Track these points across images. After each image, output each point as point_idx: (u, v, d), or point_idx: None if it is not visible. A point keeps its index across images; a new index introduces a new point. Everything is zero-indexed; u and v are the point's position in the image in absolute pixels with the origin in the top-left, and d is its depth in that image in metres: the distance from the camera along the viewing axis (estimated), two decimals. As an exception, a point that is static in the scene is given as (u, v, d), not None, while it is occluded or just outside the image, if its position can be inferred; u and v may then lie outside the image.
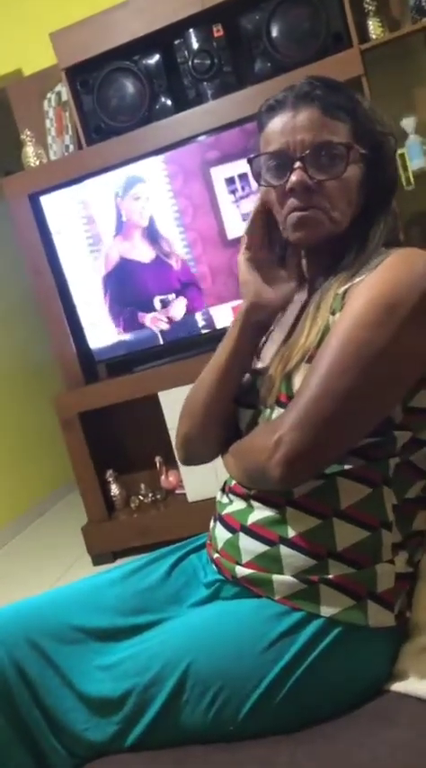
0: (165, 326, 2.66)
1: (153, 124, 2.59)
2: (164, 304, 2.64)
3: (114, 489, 2.84)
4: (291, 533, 0.92)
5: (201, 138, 2.55)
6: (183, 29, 2.57)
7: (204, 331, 2.64)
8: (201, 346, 2.58)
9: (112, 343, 2.72)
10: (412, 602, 0.94)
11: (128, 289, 2.68)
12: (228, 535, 0.99)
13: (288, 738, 0.87)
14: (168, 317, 2.65)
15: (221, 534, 1.01)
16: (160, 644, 0.94)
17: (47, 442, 4.00)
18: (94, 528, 2.79)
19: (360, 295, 0.88)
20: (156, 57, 2.62)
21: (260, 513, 0.96)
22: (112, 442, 2.93)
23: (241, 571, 0.96)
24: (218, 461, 1.09)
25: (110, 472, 2.83)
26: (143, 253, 2.64)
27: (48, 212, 2.68)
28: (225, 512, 1.02)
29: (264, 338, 1.08)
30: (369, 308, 0.85)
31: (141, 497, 2.82)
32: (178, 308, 2.64)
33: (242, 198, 2.53)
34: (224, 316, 2.61)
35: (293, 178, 0.94)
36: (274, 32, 2.50)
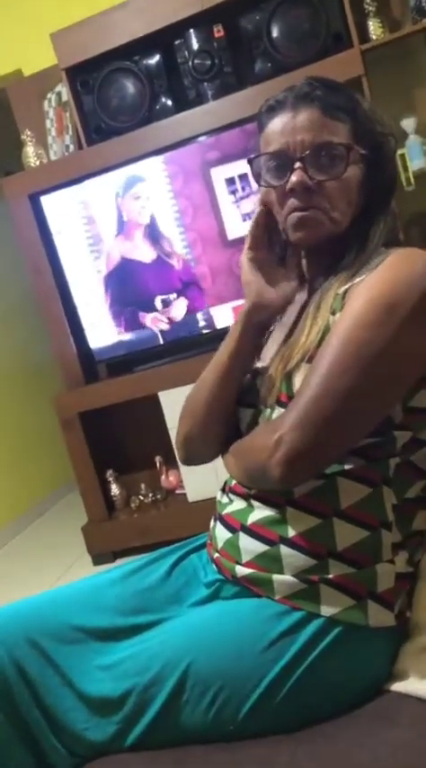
0: (166, 327, 2.66)
1: (153, 124, 2.59)
2: (165, 304, 2.64)
3: (114, 489, 2.84)
4: (291, 533, 0.92)
5: (202, 138, 2.55)
6: (184, 29, 2.57)
7: (204, 331, 2.64)
8: (202, 346, 2.58)
9: (112, 342, 2.72)
10: (413, 601, 0.94)
11: (129, 288, 2.68)
12: (228, 535, 0.99)
13: (288, 738, 0.87)
14: (168, 318, 2.65)
15: (221, 534, 1.01)
16: (160, 644, 0.94)
17: (47, 441, 4.00)
18: (95, 528, 2.79)
19: (360, 295, 0.88)
20: (157, 57, 2.62)
21: (260, 512, 0.96)
22: (113, 441, 2.93)
23: (241, 571, 0.96)
24: (219, 461, 1.09)
25: (110, 472, 2.84)
26: (144, 253, 2.64)
27: (49, 212, 2.68)
28: (225, 511, 1.02)
29: (265, 338, 1.08)
30: (369, 307, 0.86)
31: (141, 497, 2.82)
32: (179, 308, 2.64)
33: (242, 198, 2.53)
34: (224, 316, 2.61)
35: (293, 178, 0.94)
36: (274, 33, 2.50)
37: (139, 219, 2.62)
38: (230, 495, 1.03)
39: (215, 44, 2.57)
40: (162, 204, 2.59)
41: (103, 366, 2.90)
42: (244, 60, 2.62)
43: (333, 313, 0.91)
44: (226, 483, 1.07)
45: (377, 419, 0.89)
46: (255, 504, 0.97)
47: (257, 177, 1.00)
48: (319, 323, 0.92)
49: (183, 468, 2.64)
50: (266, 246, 1.04)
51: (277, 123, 0.97)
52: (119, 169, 2.60)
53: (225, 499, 1.05)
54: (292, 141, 0.95)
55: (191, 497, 2.65)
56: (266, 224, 1.03)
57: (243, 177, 2.50)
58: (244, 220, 2.53)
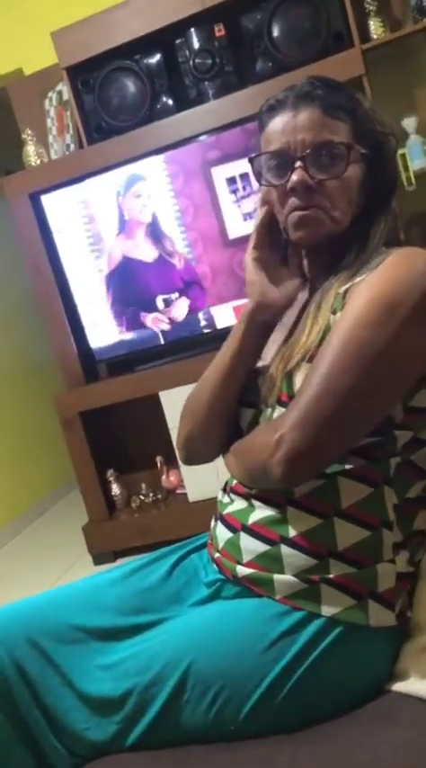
0: (166, 327, 2.65)
1: (154, 124, 2.59)
2: (167, 303, 2.64)
3: (115, 489, 2.84)
4: (292, 533, 0.92)
5: (202, 137, 2.55)
6: (184, 28, 2.57)
7: (205, 331, 2.64)
8: (202, 346, 2.58)
9: (113, 342, 2.72)
10: (413, 601, 0.94)
11: (130, 288, 2.68)
12: (229, 534, 0.99)
13: (289, 738, 0.87)
14: (169, 318, 2.65)
15: (222, 534, 1.01)
16: (161, 643, 0.94)
17: (47, 441, 4.00)
18: (95, 527, 2.79)
19: (361, 294, 0.88)
20: (157, 56, 2.62)
21: (261, 512, 0.96)
22: (113, 441, 2.93)
23: (242, 570, 0.96)
24: (219, 461, 1.09)
25: (110, 472, 2.83)
26: (146, 252, 2.64)
27: (49, 211, 2.68)
28: (226, 511, 1.02)
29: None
30: (370, 307, 0.86)
31: (142, 497, 2.82)
32: (180, 307, 2.64)
33: (243, 198, 2.53)
34: (225, 315, 2.61)
35: (294, 177, 0.94)
36: (275, 32, 2.50)
37: (141, 218, 2.62)
38: (231, 494, 1.03)
39: (216, 43, 2.56)
40: (162, 203, 2.59)
41: (104, 366, 2.89)
42: (245, 59, 2.62)
43: (334, 312, 0.91)
44: (226, 483, 1.07)
45: (377, 419, 0.89)
46: (256, 503, 0.97)
47: (258, 176, 1.00)
48: (320, 322, 0.92)
49: (184, 468, 2.64)
50: (270, 246, 1.04)
51: (277, 122, 0.97)
52: (120, 168, 2.60)
53: (225, 499, 1.05)
54: (293, 140, 0.95)
55: (192, 497, 2.65)
56: (270, 223, 1.02)
57: (244, 176, 2.50)
58: (245, 220, 2.53)
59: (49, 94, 2.81)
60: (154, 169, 2.57)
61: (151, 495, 2.82)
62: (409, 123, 2.63)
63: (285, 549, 0.92)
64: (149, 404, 2.62)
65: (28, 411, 4.05)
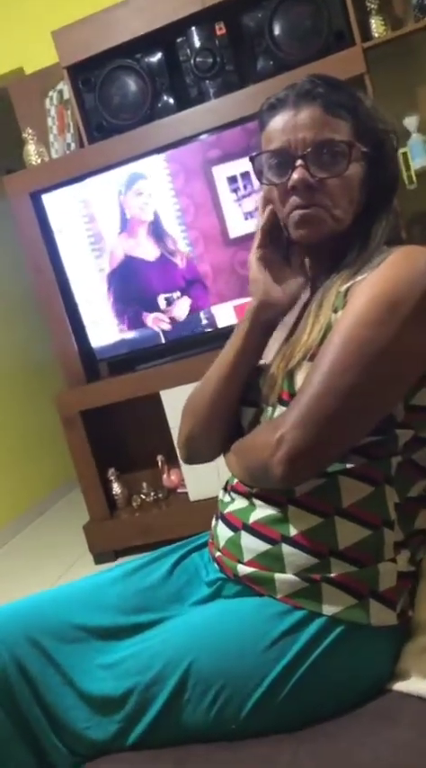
0: (167, 327, 2.65)
1: (155, 122, 2.59)
2: (169, 302, 2.64)
3: (116, 488, 2.84)
4: (293, 532, 0.92)
5: (203, 136, 2.54)
6: (185, 27, 2.57)
7: (206, 330, 2.64)
8: (203, 345, 2.58)
9: (114, 341, 2.72)
10: (415, 600, 0.94)
11: (132, 286, 2.67)
12: (230, 533, 0.99)
13: (290, 737, 0.87)
14: (171, 317, 2.64)
15: (223, 533, 1.01)
16: (162, 642, 0.94)
17: (48, 440, 4.00)
18: (96, 527, 2.79)
19: (362, 293, 0.88)
20: (158, 55, 2.62)
21: (262, 511, 0.96)
22: (114, 440, 2.93)
23: (243, 569, 0.96)
24: (220, 460, 1.09)
25: (111, 471, 2.83)
26: (148, 251, 2.64)
27: (50, 211, 2.68)
28: (227, 510, 1.02)
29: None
30: (371, 306, 0.85)
31: (143, 496, 2.82)
32: (182, 306, 2.63)
33: (244, 197, 2.52)
34: (225, 314, 2.61)
35: (295, 176, 0.94)
36: (276, 30, 2.49)
37: (142, 216, 2.62)
38: (232, 493, 1.03)
39: (217, 42, 2.56)
40: (163, 203, 2.59)
41: (105, 365, 2.89)
42: (246, 58, 2.62)
43: (335, 311, 0.91)
44: (227, 482, 1.07)
45: (378, 417, 0.89)
46: (257, 502, 0.97)
47: (259, 175, 1.00)
48: (321, 321, 0.92)
49: (185, 467, 2.64)
50: (273, 245, 1.04)
51: (278, 121, 0.97)
52: (121, 167, 2.60)
53: (226, 498, 1.05)
54: (294, 139, 0.95)
55: (193, 496, 2.65)
56: (273, 222, 1.02)
57: (244, 175, 2.50)
58: (246, 219, 2.53)
59: (50, 93, 2.81)
60: (154, 168, 2.57)
61: (152, 494, 2.82)
62: (410, 122, 2.63)
63: (286, 548, 0.92)
64: (150, 403, 2.62)
65: (29, 410, 4.05)
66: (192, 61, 2.58)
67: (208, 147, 2.53)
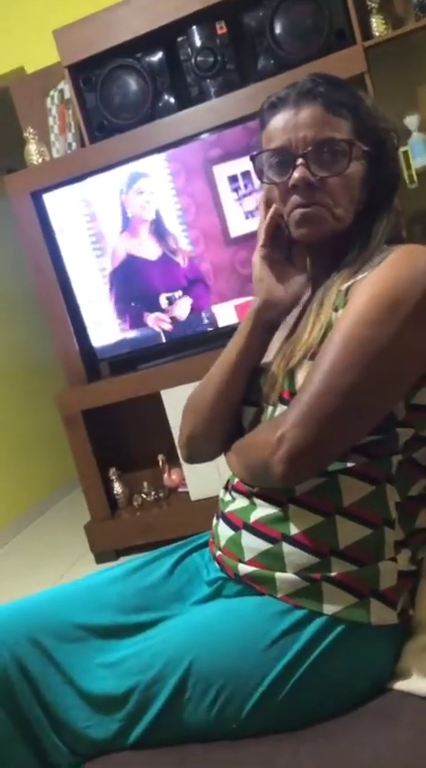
0: (168, 327, 2.65)
1: (156, 122, 2.59)
2: (171, 302, 2.64)
3: (117, 487, 2.84)
4: (294, 531, 0.92)
5: (204, 135, 2.54)
6: (186, 26, 2.57)
7: (207, 329, 2.63)
8: (204, 344, 2.58)
9: (115, 341, 2.72)
10: (415, 600, 0.94)
11: (134, 286, 2.67)
12: (231, 533, 0.99)
13: (290, 737, 0.87)
14: (172, 317, 2.64)
15: (224, 532, 1.01)
16: (162, 642, 0.94)
17: (49, 440, 4.00)
18: (97, 526, 2.79)
19: (363, 292, 0.87)
20: (159, 54, 2.62)
21: (262, 510, 0.96)
22: (115, 440, 2.93)
23: (243, 569, 0.96)
24: (221, 460, 1.09)
25: (112, 470, 2.84)
26: (150, 250, 2.64)
27: (51, 210, 2.68)
28: (227, 509, 1.02)
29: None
30: (371, 305, 0.85)
31: (144, 495, 2.82)
32: (183, 306, 2.63)
33: (244, 196, 2.52)
34: (226, 314, 2.60)
35: (295, 175, 0.94)
36: (277, 29, 2.49)
37: (144, 215, 2.62)
38: (233, 493, 1.03)
39: (217, 41, 2.56)
40: (164, 202, 2.59)
41: (106, 364, 2.89)
42: (247, 57, 2.62)
43: (336, 310, 0.91)
44: (228, 481, 1.07)
45: (379, 416, 0.89)
46: (258, 501, 0.97)
47: (260, 174, 1.00)
48: (322, 320, 0.92)
49: (186, 467, 2.64)
50: (276, 244, 1.04)
51: (279, 120, 0.97)
52: (122, 167, 2.60)
53: (227, 497, 1.05)
54: (294, 138, 0.95)
55: (194, 496, 2.65)
56: (277, 222, 1.02)
57: (245, 175, 2.50)
58: (247, 218, 2.53)
59: (51, 93, 2.81)
60: (155, 167, 2.57)
61: (153, 493, 2.82)
62: (411, 121, 2.63)
63: (286, 547, 0.92)
64: (151, 402, 2.62)
65: (30, 410, 4.05)
66: (193, 60, 2.58)
67: (208, 146, 2.53)
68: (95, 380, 2.82)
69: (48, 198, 2.67)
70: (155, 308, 2.65)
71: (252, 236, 2.36)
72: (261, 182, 1.01)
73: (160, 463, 2.81)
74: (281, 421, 0.87)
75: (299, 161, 0.94)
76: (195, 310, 2.62)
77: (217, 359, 1.08)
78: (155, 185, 2.58)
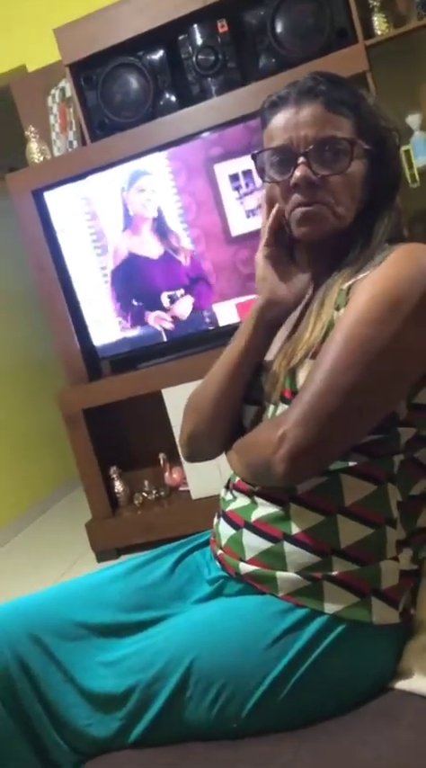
0: (169, 325, 2.65)
1: (157, 120, 2.58)
2: (172, 300, 2.64)
3: (118, 486, 2.84)
4: (295, 530, 0.92)
5: (205, 134, 2.54)
6: (187, 24, 2.57)
7: (208, 328, 2.63)
8: (205, 343, 2.58)
9: (116, 339, 2.72)
10: (417, 599, 0.94)
11: (136, 284, 2.67)
12: (232, 532, 0.99)
13: (291, 736, 0.87)
14: (173, 316, 2.64)
15: (225, 531, 1.01)
16: (163, 640, 0.94)
17: (50, 438, 4.00)
18: (98, 524, 2.79)
19: (364, 291, 0.87)
20: (160, 52, 2.62)
21: (264, 509, 0.96)
22: (116, 438, 2.93)
23: (244, 568, 0.95)
24: (222, 458, 1.09)
25: (113, 469, 2.84)
26: (151, 248, 2.63)
27: (52, 208, 2.68)
28: (229, 508, 1.02)
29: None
30: (372, 305, 0.85)
31: (145, 494, 2.82)
32: (184, 305, 2.63)
33: (246, 195, 2.52)
34: (227, 313, 2.60)
35: (297, 173, 0.94)
36: (278, 28, 2.49)
37: (145, 213, 2.61)
38: (234, 492, 1.03)
39: (219, 39, 2.56)
40: (165, 200, 2.59)
41: (107, 363, 2.90)
42: (248, 56, 2.62)
43: (337, 309, 0.91)
44: (229, 480, 1.07)
45: (380, 415, 0.88)
46: (259, 501, 0.97)
47: (261, 173, 1.00)
48: (323, 319, 0.92)
49: (187, 466, 2.64)
50: (279, 243, 1.04)
51: (280, 119, 0.97)
52: (123, 165, 2.60)
53: (228, 496, 1.04)
54: (295, 136, 0.94)
55: (195, 494, 2.65)
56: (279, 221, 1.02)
57: (246, 173, 2.50)
58: (248, 217, 2.53)
59: (52, 91, 2.81)
60: (156, 166, 2.57)
61: (154, 492, 2.82)
62: (413, 120, 2.63)
63: (288, 547, 0.92)
64: (152, 401, 2.63)
65: (31, 408, 4.05)
66: (194, 59, 2.58)
67: (209, 144, 2.53)
68: (96, 379, 2.82)
69: (49, 196, 2.67)
70: (157, 306, 2.65)
71: (253, 235, 2.36)
72: (263, 180, 1.01)
73: (161, 462, 2.81)
74: (283, 420, 0.87)
75: (301, 160, 0.94)
76: (196, 309, 2.62)
77: (218, 358, 1.08)
78: (156, 183, 2.58)
